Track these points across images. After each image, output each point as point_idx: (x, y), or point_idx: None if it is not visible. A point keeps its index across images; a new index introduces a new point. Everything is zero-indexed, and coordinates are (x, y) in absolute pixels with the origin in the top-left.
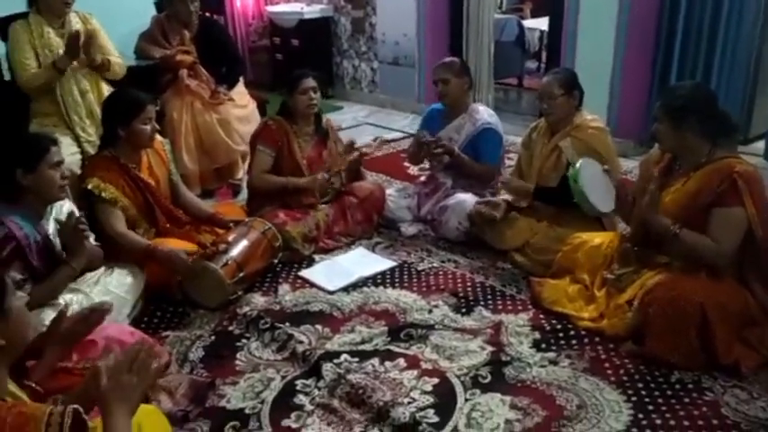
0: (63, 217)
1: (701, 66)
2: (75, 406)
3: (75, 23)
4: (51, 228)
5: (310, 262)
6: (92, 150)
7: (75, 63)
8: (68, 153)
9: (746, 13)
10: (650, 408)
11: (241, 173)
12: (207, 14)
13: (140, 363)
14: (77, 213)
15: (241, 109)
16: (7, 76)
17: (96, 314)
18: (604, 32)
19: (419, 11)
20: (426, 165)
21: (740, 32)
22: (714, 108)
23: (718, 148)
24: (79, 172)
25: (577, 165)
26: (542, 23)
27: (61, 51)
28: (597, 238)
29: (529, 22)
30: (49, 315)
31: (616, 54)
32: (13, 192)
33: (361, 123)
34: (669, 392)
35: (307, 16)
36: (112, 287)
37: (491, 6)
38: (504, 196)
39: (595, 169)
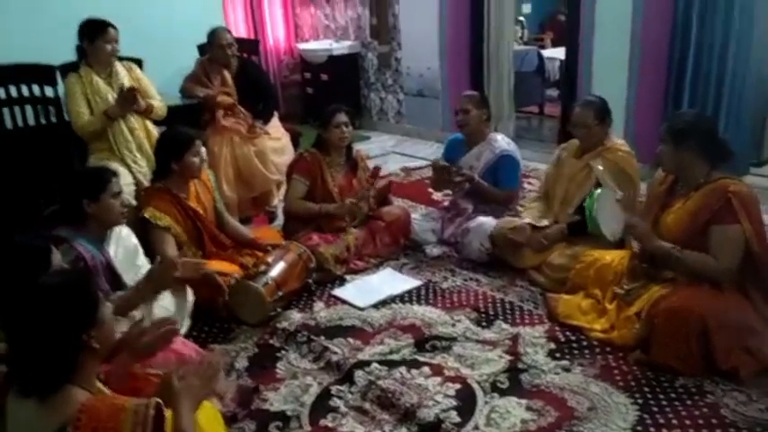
0: (123, 239)
1: (713, 90)
2: (158, 399)
3: (122, 74)
4: (112, 250)
5: (342, 281)
6: (143, 180)
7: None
8: (124, 183)
9: (756, 35)
10: (655, 409)
11: (276, 201)
12: (244, 55)
13: (204, 372)
14: (135, 239)
15: (276, 141)
16: (67, 117)
17: (170, 333)
18: (618, 63)
19: (441, 45)
20: (449, 191)
21: (750, 54)
22: (713, 133)
23: (716, 170)
24: (134, 201)
25: (596, 194)
26: (562, 53)
27: (110, 97)
28: (608, 256)
29: (548, 52)
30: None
31: (630, 83)
32: (80, 218)
33: (388, 152)
34: (673, 395)
35: (336, 52)
36: (166, 304)
37: (510, 39)
38: (527, 219)
39: (610, 199)
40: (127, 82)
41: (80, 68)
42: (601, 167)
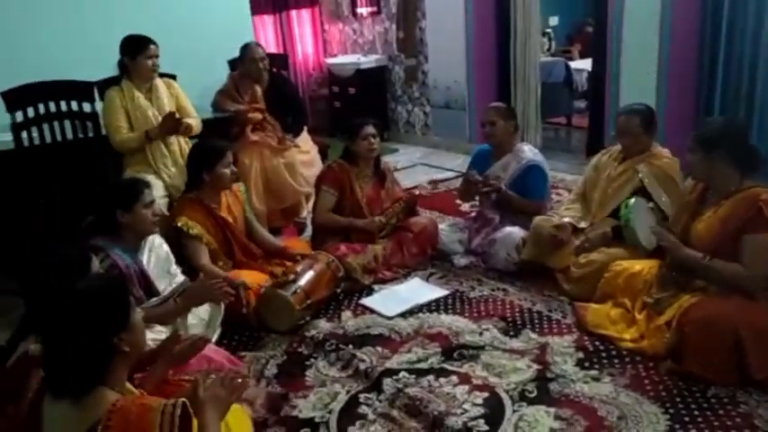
0: (155, 248)
1: (744, 101)
2: (184, 399)
3: (162, 89)
4: (145, 258)
5: (370, 291)
6: (176, 194)
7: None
8: (159, 195)
9: None
10: (686, 419)
11: (305, 212)
12: (275, 70)
13: (230, 381)
14: (167, 248)
15: (305, 154)
16: (104, 131)
17: (201, 342)
18: (646, 74)
19: (468, 58)
20: (476, 201)
21: None
22: (744, 141)
23: (747, 178)
24: (167, 212)
25: (631, 203)
26: (590, 64)
27: (149, 113)
28: (637, 266)
29: (576, 63)
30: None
31: (658, 94)
32: (114, 228)
33: (416, 164)
34: (705, 405)
35: (363, 66)
36: (200, 313)
37: (537, 51)
38: (567, 219)
39: (643, 208)
40: (166, 98)
41: (122, 83)
42: (647, 173)
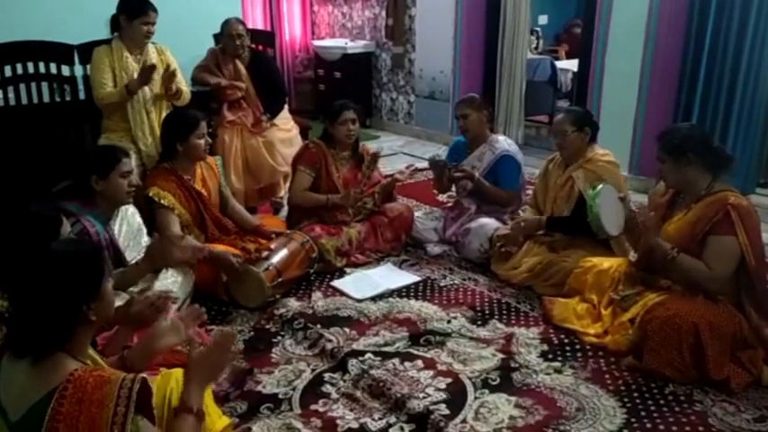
0: (128, 217)
1: (722, 109)
2: (144, 375)
3: (152, 54)
4: (116, 228)
5: (342, 273)
6: (150, 164)
7: (147, 89)
8: (133, 165)
9: (766, 56)
10: (643, 414)
11: (282, 192)
12: (260, 47)
13: (222, 351)
14: (139, 218)
15: (285, 132)
16: (82, 96)
17: (162, 301)
18: (629, 75)
19: (456, 50)
20: (453, 192)
21: (759, 75)
22: (709, 143)
23: (718, 182)
24: (140, 182)
25: (598, 188)
26: (575, 65)
27: (135, 75)
28: (606, 263)
29: (562, 63)
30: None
31: (640, 95)
32: (89, 194)
33: (397, 152)
34: (662, 402)
35: (350, 51)
36: (168, 284)
37: (524, 47)
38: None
39: (612, 195)
40: (157, 64)
41: (112, 41)
42: (581, 179)
